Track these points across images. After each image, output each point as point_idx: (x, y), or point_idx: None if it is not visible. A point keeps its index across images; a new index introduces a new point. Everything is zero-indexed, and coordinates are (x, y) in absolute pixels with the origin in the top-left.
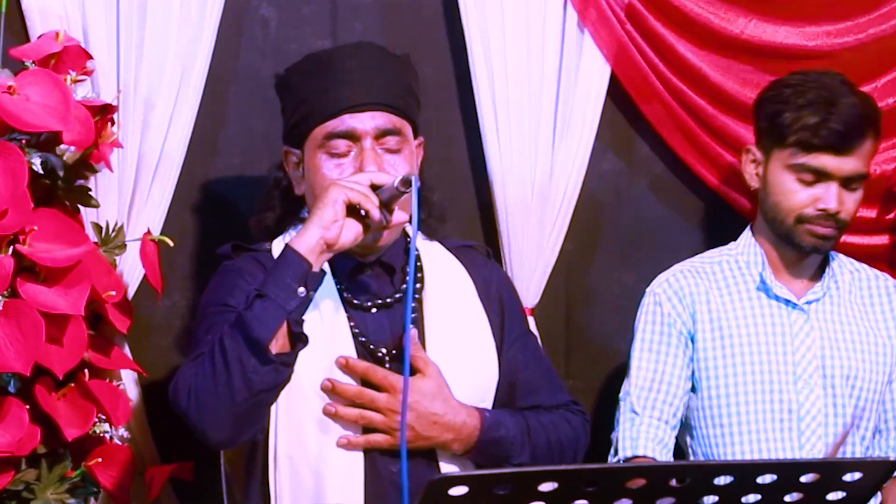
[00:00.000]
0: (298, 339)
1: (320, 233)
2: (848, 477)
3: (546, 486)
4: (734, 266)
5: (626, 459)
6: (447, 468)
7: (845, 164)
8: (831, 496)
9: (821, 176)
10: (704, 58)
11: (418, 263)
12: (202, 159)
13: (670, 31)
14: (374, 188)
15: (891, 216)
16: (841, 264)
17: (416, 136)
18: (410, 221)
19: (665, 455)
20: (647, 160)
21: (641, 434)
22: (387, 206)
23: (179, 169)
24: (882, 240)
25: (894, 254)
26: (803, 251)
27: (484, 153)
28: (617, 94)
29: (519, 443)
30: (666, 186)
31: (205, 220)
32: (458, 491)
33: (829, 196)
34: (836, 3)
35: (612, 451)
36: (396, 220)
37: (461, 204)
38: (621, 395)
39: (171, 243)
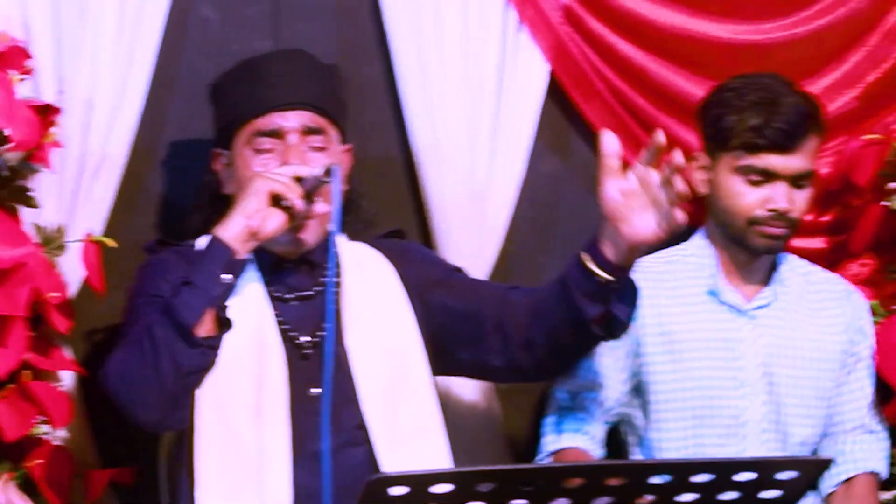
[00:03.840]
0: (224, 324)
1: (244, 221)
2: (783, 476)
3: (484, 486)
4: (685, 268)
5: (554, 454)
6: (383, 453)
7: (791, 163)
8: (766, 495)
9: (769, 176)
10: (645, 56)
11: (336, 259)
12: (145, 160)
13: (609, 30)
14: (298, 180)
15: (828, 218)
16: (791, 267)
17: (343, 143)
18: (332, 214)
19: (592, 447)
20: (587, 160)
21: (569, 427)
22: (309, 197)
23: (122, 170)
24: (819, 242)
25: (832, 256)
26: (756, 252)
27: (419, 155)
28: (557, 93)
29: None
30: None
31: (147, 221)
32: (398, 491)
33: (778, 196)
34: (772, 1)
35: (540, 447)
36: (318, 210)
37: (397, 206)
38: (553, 389)
39: (113, 244)
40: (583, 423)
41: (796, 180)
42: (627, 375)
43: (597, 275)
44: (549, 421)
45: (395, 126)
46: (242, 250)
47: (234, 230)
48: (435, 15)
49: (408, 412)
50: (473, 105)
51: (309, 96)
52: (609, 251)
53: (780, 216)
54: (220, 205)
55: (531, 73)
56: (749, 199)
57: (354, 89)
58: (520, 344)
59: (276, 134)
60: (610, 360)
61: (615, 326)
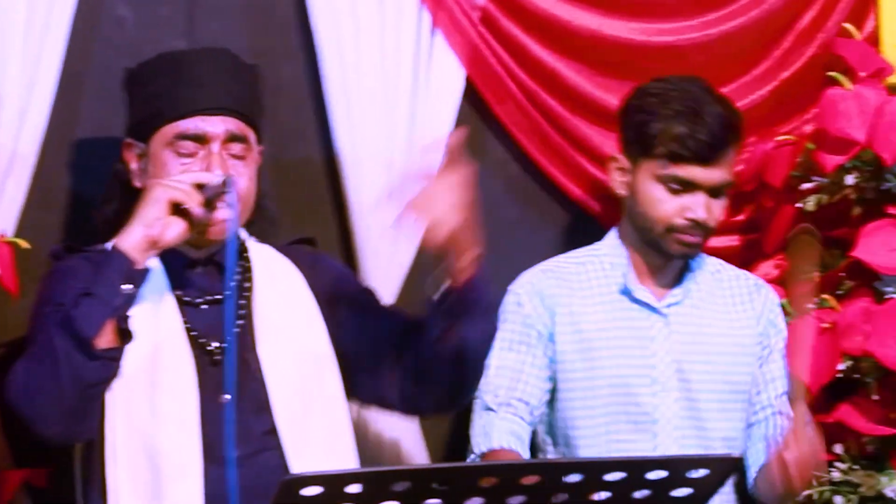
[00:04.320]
0: (126, 335)
1: (143, 231)
2: (694, 473)
3: (399, 486)
4: (598, 267)
5: (483, 455)
6: (294, 460)
7: (712, 175)
8: (678, 492)
9: (689, 186)
10: (558, 60)
11: (247, 264)
12: (57, 158)
13: (523, 32)
14: (199, 187)
15: (742, 218)
16: (702, 265)
17: (258, 143)
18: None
19: (521, 447)
20: (501, 162)
21: (496, 427)
22: (210, 204)
23: (33, 168)
24: (732, 240)
25: (745, 255)
26: (671, 258)
27: (338, 157)
28: (472, 95)
29: None
30: (520, 188)
31: (60, 220)
32: (311, 491)
33: (697, 205)
34: (685, 1)
35: (469, 449)
36: (219, 216)
37: (316, 206)
38: (476, 391)
39: (26, 245)
40: (510, 424)
41: (715, 191)
42: (548, 374)
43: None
44: (477, 423)
45: (312, 128)
46: (142, 259)
47: (133, 240)
48: (353, 17)
49: (319, 419)
50: (391, 107)
51: (234, 101)
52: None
53: (697, 225)
54: (131, 198)
55: (447, 75)
56: (668, 207)
57: (269, 90)
58: (415, 380)
59: (200, 139)
60: (530, 359)
61: (467, 348)
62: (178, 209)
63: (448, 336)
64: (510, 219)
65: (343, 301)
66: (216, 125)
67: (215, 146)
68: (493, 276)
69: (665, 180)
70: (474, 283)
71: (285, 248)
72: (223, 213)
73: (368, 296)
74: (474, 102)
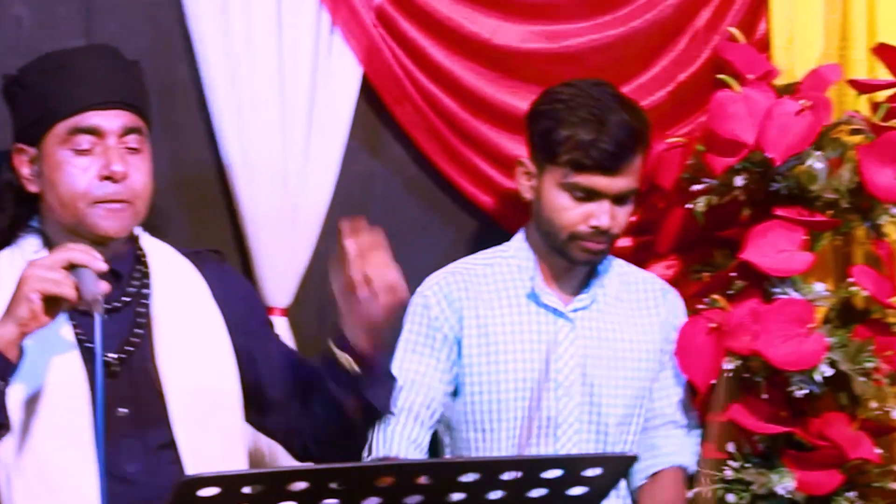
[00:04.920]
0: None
1: (18, 330)
2: (589, 472)
3: (296, 486)
4: (505, 270)
5: (381, 460)
6: (192, 472)
7: (616, 183)
8: (573, 491)
9: (593, 194)
10: (456, 62)
11: (145, 269)
12: None
13: (421, 35)
14: (71, 267)
15: (633, 218)
16: (610, 268)
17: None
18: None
19: (419, 455)
20: (400, 162)
21: (396, 434)
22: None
23: None
24: (625, 241)
25: (639, 256)
26: (575, 263)
27: (230, 158)
28: (370, 95)
29: None
30: (419, 188)
31: None
32: (208, 492)
33: (601, 213)
34: (581, 4)
35: (366, 448)
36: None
37: (208, 208)
38: None
39: None
40: (409, 430)
41: (620, 198)
42: (450, 378)
43: (341, 363)
44: (377, 428)
45: (205, 129)
46: (15, 355)
47: (5, 338)
48: (245, 15)
49: (217, 433)
50: (287, 107)
51: (126, 95)
52: (351, 337)
53: (601, 232)
54: (26, 205)
55: (344, 74)
56: (572, 214)
57: (167, 91)
58: (300, 428)
59: (96, 132)
60: (434, 362)
61: (373, 413)
62: (51, 298)
63: (354, 404)
64: (408, 220)
65: (247, 329)
66: (110, 119)
67: (111, 140)
68: None
69: (569, 188)
70: (379, 352)
71: (191, 255)
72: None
73: (270, 328)
74: (372, 102)
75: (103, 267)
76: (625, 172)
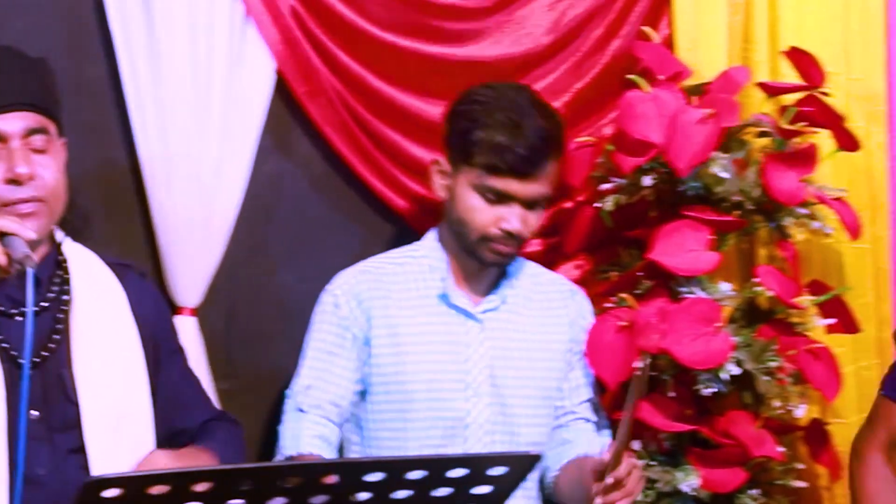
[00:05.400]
0: None
1: None
2: (494, 471)
3: (201, 487)
4: (416, 269)
5: (289, 458)
6: (99, 466)
7: (529, 188)
8: (478, 490)
9: (505, 197)
10: (364, 64)
11: (65, 276)
12: None
13: (329, 38)
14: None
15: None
16: (521, 269)
17: (61, 136)
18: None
19: (328, 452)
20: (310, 160)
21: (304, 432)
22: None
23: None
24: (535, 243)
25: (548, 257)
26: (485, 265)
27: (145, 158)
28: (283, 92)
29: None
30: (329, 187)
31: None
32: (112, 493)
33: (512, 217)
34: (480, 11)
35: (277, 448)
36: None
37: (121, 205)
38: (288, 392)
39: None
40: (320, 428)
41: (532, 203)
42: (359, 377)
43: None
44: (287, 425)
45: (117, 128)
46: None
47: None
48: (162, 12)
49: (127, 440)
50: (201, 105)
51: (29, 96)
52: None
53: (511, 236)
54: None
55: (257, 71)
56: (483, 216)
57: (79, 90)
58: None
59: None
60: (343, 361)
61: None
62: None
63: None
64: (316, 217)
65: (158, 348)
66: (13, 122)
67: (15, 143)
68: (298, 274)
69: (482, 190)
70: None
71: (114, 265)
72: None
73: (177, 356)
74: (285, 99)
75: (32, 235)
76: (538, 178)
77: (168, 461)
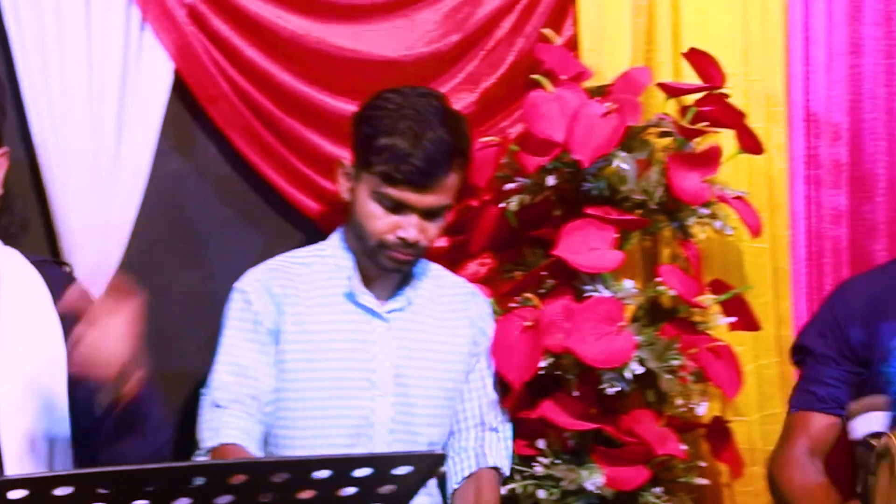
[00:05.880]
0: None
1: None
2: (399, 471)
3: (106, 487)
4: (323, 268)
5: (212, 450)
6: (10, 465)
7: (426, 199)
8: (383, 490)
9: (402, 207)
10: (271, 61)
11: None
12: None
13: (235, 33)
14: None
15: (449, 218)
16: (425, 270)
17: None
18: None
19: (251, 444)
20: (213, 161)
21: (224, 424)
22: None
23: None
24: (441, 242)
25: (453, 255)
26: (385, 271)
27: (42, 157)
28: (183, 93)
29: None
30: (232, 187)
31: None
32: (17, 494)
33: (409, 226)
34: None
35: (197, 445)
36: None
37: (22, 206)
38: (204, 390)
39: None
40: (240, 421)
41: (430, 213)
42: (276, 371)
43: None
44: (205, 420)
45: (20, 128)
46: None
47: None
48: (56, 12)
49: (43, 443)
50: (97, 105)
51: None
52: None
53: (409, 244)
54: None
55: (155, 72)
56: (381, 223)
57: None
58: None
59: None
60: (260, 355)
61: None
62: None
63: (120, 450)
64: (221, 217)
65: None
66: None
67: None
68: (204, 273)
69: (379, 197)
70: (140, 401)
71: (38, 263)
72: None
73: None
74: (184, 99)
75: None
76: (436, 189)
77: None
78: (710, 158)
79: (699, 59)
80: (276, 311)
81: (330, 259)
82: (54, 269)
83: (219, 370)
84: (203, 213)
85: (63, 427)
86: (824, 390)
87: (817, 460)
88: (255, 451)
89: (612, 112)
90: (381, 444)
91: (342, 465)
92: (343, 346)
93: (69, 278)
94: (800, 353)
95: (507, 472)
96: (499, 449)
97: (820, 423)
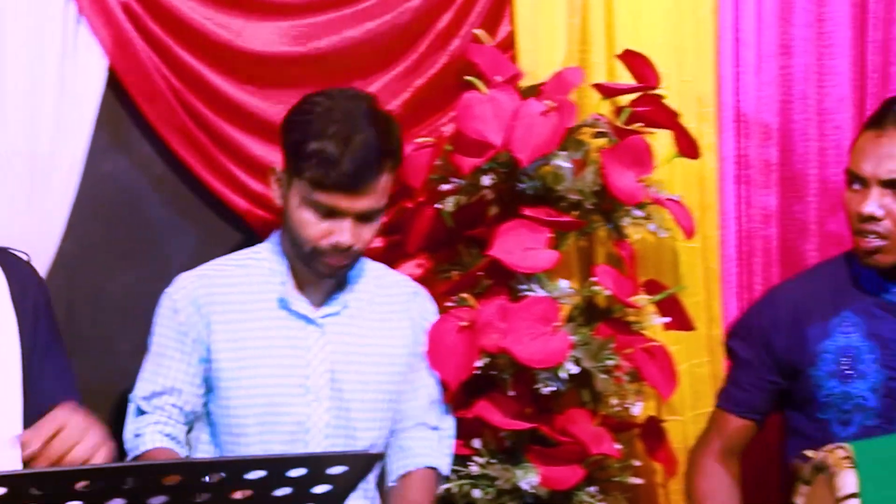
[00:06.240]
0: None
1: None
2: (333, 470)
3: (36, 489)
4: (257, 273)
5: (138, 457)
6: None
7: (358, 203)
8: (318, 489)
9: (334, 212)
10: (204, 62)
11: None
12: None
13: (167, 34)
14: None
15: (384, 219)
16: (364, 272)
17: None
18: None
19: (176, 447)
20: (149, 160)
21: (148, 429)
22: None
23: None
24: (376, 242)
25: (389, 256)
26: (319, 276)
27: None
28: (119, 92)
29: None
30: (168, 188)
31: None
32: None
33: (342, 231)
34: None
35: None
36: None
37: None
38: (131, 395)
39: None
40: (164, 426)
41: (363, 216)
42: (201, 381)
43: None
44: (129, 427)
45: None
46: None
47: None
48: None
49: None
50: (32, 103)
51: None
52: None
53: (343, 250)
54: None
55: (90, 68)
56: (314, 230)
57: None
58: None
59: None
60: (184, 365)
61: None
62: None
63: None
64: (156, 217)
65: (37, 335)
66: None
67: None
68: (139, 274)
69: (311, 204)
70: None
71: None
72: None
73: (58, 347)
74: (122, 99)
75: None
76: (367, 193)
77: None
78: (644, 157)
79: (634, 60)
80: (203, 322)
81: (264, 263)
82: (11, 257)
83: (144, 378)
84: (138, 213)
85: (15, 423)
86: (740, 394)
87: (730, 460)
88: (180, 453)
89: (552, 111)
90: (317, 449)
91: (276, 465)
92: (277, 352)
93: (27, 266)
94: (727, 351)
95: (446, 471)
96: (439, 448)
97: (733, 424)
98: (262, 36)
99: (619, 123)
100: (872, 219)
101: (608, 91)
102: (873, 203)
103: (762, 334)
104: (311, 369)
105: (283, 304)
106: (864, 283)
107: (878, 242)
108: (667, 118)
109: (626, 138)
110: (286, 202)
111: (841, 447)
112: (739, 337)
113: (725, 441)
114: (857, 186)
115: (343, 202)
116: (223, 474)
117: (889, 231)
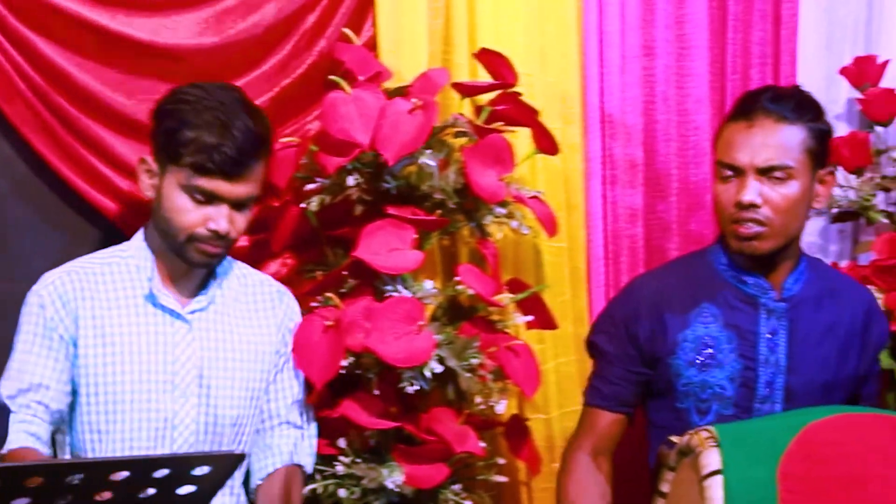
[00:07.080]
0: None
1: None
2: (198, 471)
3: None
4: (123, 269)
5: (3, 456)
6: None
7: (238, 189)
8: (183, 490)
9: (213, 198)
10: (70, 59)
11: None
12: None
13: (30, 30)
14: None
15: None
16: (229, 270)
17: None
18: None
19: (40, 446)
20: (9, 160)
21: (13, 428)
22: None
23: None
24: (242, 240)
25: (255, 254)
26: (193, 265)
27: None
28: None
29: None
30: (30, 188)
31: None
32: None
33: (219, 217)
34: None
35: None
36: None
37: None
38: None
39: None
40: (29, 425)
41: (239, 203)
42: (68, 378)
43: None
44: None
45: None
46: None
47: None
48: None
49: None
50: None
51: None
52: None
53: (219, 236)
54: None
55: None
56: (191, 216)
57: None
58: None
59: None
60: (51, 362)
61: None
62: None
63: None
64: (19, 218)
65: None
66: None
67: None
68: (2, 275)
69: (189, 190)
70: None
71: None
72: None
73: None
74: None
75: None
76: (247, 178)
77: None
78: (504, 154)
79: (490, 59)
80: (71, 318)
81: (131, 260)
82: None
83: (10, 376)
84: (1, 215)
85: None
86: (608, 388)
87: (602, 459)
88: (44, 452)
89: (418, 109)
90: (184, 446)
91: (141, 467)
92: (143, 348)
93: None
94: (591, 348)
95: (310, 470)
96: (303, 447)
97: (605, 420)
98: (132, 28)
99: (479, 122)
100: (752, 206)
101: (466, 90)
102: (752, 191)
103: (626, 326)
104: (178, 365)
105: (151, 300)
106: (724, 275)
107: (757, 229)
108: (525, 116)
109: (486, 137)
110: (159, 192)
111: (705, 429)
112: (603, 332)
113: (597, 439)
114: (729, 175)
115: (223, 187)
116: (87, 476)
117: (768, 218)
